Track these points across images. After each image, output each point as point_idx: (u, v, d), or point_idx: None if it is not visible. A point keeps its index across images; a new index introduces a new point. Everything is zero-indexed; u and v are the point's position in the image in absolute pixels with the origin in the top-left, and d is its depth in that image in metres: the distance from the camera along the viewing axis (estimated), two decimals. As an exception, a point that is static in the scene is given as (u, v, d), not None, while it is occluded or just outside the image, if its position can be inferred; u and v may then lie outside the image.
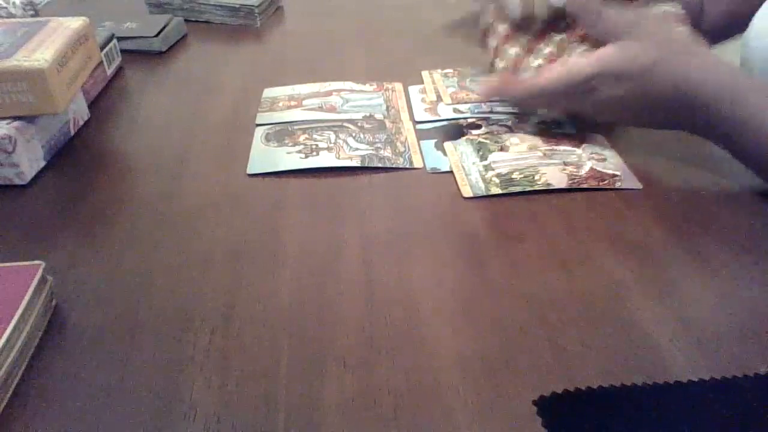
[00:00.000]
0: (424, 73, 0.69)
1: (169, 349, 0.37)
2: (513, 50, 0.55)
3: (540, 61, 0.54)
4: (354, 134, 0.58)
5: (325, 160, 0.54)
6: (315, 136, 0.58)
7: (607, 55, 0.49)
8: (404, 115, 0.62)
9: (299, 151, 0.55)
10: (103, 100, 0.67)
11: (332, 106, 0.63)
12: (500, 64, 0.56)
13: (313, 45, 0.80)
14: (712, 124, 0.48)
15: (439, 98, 0.65)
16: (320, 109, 0.63)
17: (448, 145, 0.56)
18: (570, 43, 0.53)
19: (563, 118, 0.59)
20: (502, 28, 0.56)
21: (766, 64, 0.54)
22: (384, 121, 0.61)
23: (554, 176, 0.51)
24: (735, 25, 0.61)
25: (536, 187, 0.50)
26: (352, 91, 0.66)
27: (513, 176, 0.51)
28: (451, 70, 0.69)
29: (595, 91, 0.49)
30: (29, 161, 0.53)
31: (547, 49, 0.54)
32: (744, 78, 0.49)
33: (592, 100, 0.50)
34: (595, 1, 0.50)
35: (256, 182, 0.53)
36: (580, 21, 0.52)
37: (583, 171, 0.51)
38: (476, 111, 0.62)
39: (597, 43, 0.51)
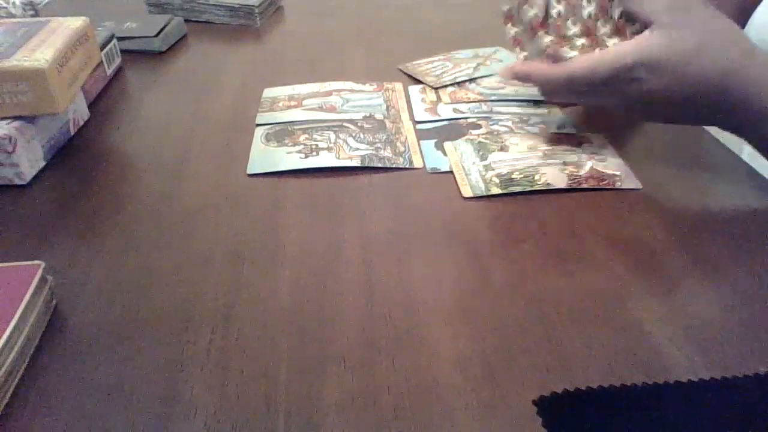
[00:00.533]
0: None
1: (169, 349, 0.37)
2: (548, 38, 0.51)
3: (575, 52, 0.50)
4: (354, 134, 0.58)
5: (325, 160, 0.54)
6: (315, 136, 0.58)
7: (648, 42, 0.46)
8: (404, 115, 0.62)
9: (299, 151, 0.55)
10: (103, 100, 0.67)
11: (332, 106, 0.63)
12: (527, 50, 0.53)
13: (313, 45, 0.80)
14: (753, 115, 0.45)
15: (439, 98, 0.65)
16: (320, 109, 0.63)
17: (448, 145, 0.56)
18: (602, 36, 0.50)
19: (570, 121, 0.59)
20: (532, 14, 0.51)
21: None
22: (384, 121, 0.61)
23: (554, 176, 0.51)
24: (741, 23, 0.60)
25: (536, 187, 0.50)
26: (352, 91, 0.66)
27: (513, 176, 0.51)
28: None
29: (634, 82, 0.46)
30: (29, 161, 0.53)
31: (580, 41, 0.50)
32: None
33: (628, 92, 0.46)
34: None
35: (256, 182, 0.53)
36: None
37: (583, 171, 0.51)
38: (476, 111, 0.62)
39: (630, 35, 0.48)
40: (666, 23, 0.46)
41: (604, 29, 0.50)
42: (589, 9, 0.50)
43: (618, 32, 0.49)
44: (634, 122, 0.55)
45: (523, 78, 0.52)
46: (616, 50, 0.47)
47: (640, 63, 0.45)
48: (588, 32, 0.50)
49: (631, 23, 0.49)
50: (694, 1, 0.48)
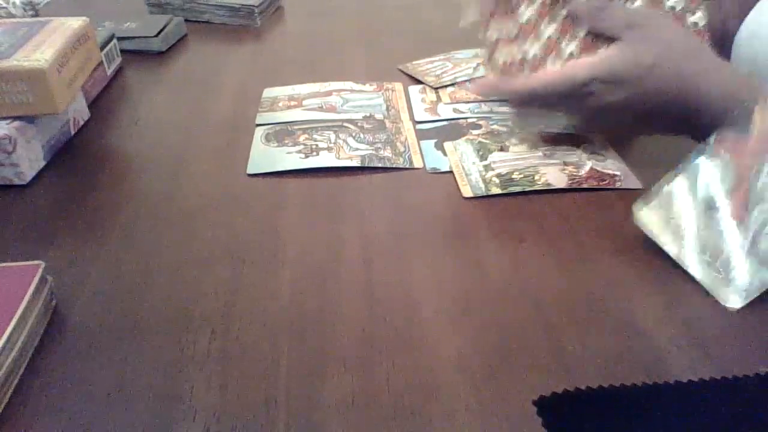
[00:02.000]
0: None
1: (169, 349, 0.37)
2: (505, 50, 0.52)
3: (572, 49, 0.51)
4: (354, 134, 0.58)
5: (325, 160, 0.54)
6: (315, 136, 0.58)
7: (604, 58, 0.48)
8: (404, 115, 0.62)
9: (299, 151, 0.55)
10: (103, 100, 0.67)
11: (332, 106, 0.63)
12: (500, 60, 0.54)
13: (313, 45, 0.80)
14: (713, 126, 0.46)
15: (439, 98, 0.65)
16: (320, 109, 0.63)
17: (448, 145, 0.56)
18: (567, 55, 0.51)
19: (560, 127, 0.59)
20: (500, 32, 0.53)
21: (753, 66, 0.54)
22: (384, 121, 0.61)
23: (554, 176, 0.51)
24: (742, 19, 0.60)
25: (536, 187, 0.50)
26: (352, 91, 0.66)
27: (513, 176, 0.51)
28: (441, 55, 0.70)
29: (591, 96, 0.48)
30: (29, 161, 0.53)
31: (570, 47, 0.51)
32: (746, 80, 0.47)
33: (588, 105, 0.49)
34: None
35: (256, 182, 0.53)
36: (584, 19, 0.50)
37: (583, 171, 0.51)
38: (476, 111, 0.62)
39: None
40: (626, 39, 0.47)
41: (569, 48, 0.51)
42: (549, 30, 0.51)
43: (586, 50, 0.50)
44: (603, 132, 0.56)
45: (490, 93, 0.56)
46: (573, 66, 0.49)
47: (593, 78, 0.47)
48: (548, 52, 0.51)
49: (600, 40, 0.50)
50: (654, 14, 0.50)
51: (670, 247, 0.41)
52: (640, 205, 0.43)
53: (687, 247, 0.40)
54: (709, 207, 0.40)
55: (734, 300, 0.38)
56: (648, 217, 0.42)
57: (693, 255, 0.40)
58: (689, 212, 0.40)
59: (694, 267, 0.40)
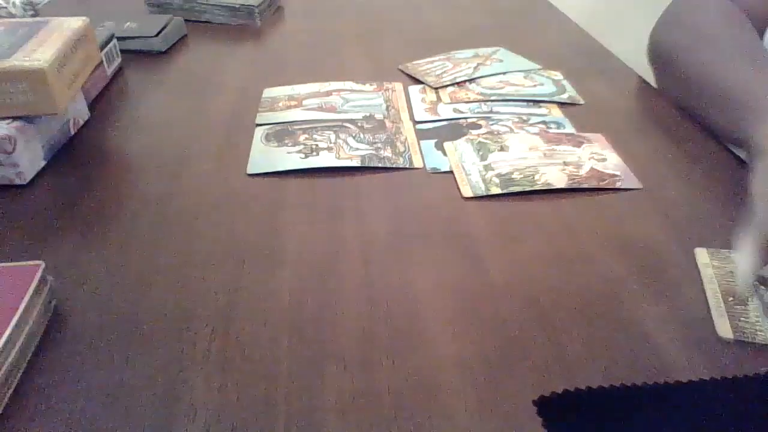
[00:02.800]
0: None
1: (169, 349, 0.37)
2: None
3: None
4: (354, 134, 0.58)
5: (325, 160, 0.54)
6: (315, 136, 0.58)
7: None
8: (404, 115, 0.62)
9: (299, 151, 0.55)
10: (103, 100, 0.67)
11: (332, 106, 0.63)
12: None
13: (313, 45, 0.80)
14: None
15: (439, 98, 0.65)
16: (320, 109, 0.63)
17: (448, 145, 0.56)
18: None
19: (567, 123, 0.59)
20: None
21: None
22: (384, 121, 0.61)
23: (554, 176, 0.51)
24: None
25: (536, 187, 0.50)
26: (352, 91, 0.66)
27: (513, 176, 0.51)
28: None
29: None
30: (29, 161, 0.53)
31: None
32: None
33: None
34: None
35: (256, 182, 0.53)
36: None
37: (583, 171, 0.51)
38: (476, 111, 0.62)
39: None
40: None
41: None
42: None
43: None
44: None
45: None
46: None
47: None
48: None
49: None
50: None
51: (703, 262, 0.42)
52: (705, 253, 0.43)
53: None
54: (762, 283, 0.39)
55: (726, 333, 0.37)
56: (706, 260, 0.42)
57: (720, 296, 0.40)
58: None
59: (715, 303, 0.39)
